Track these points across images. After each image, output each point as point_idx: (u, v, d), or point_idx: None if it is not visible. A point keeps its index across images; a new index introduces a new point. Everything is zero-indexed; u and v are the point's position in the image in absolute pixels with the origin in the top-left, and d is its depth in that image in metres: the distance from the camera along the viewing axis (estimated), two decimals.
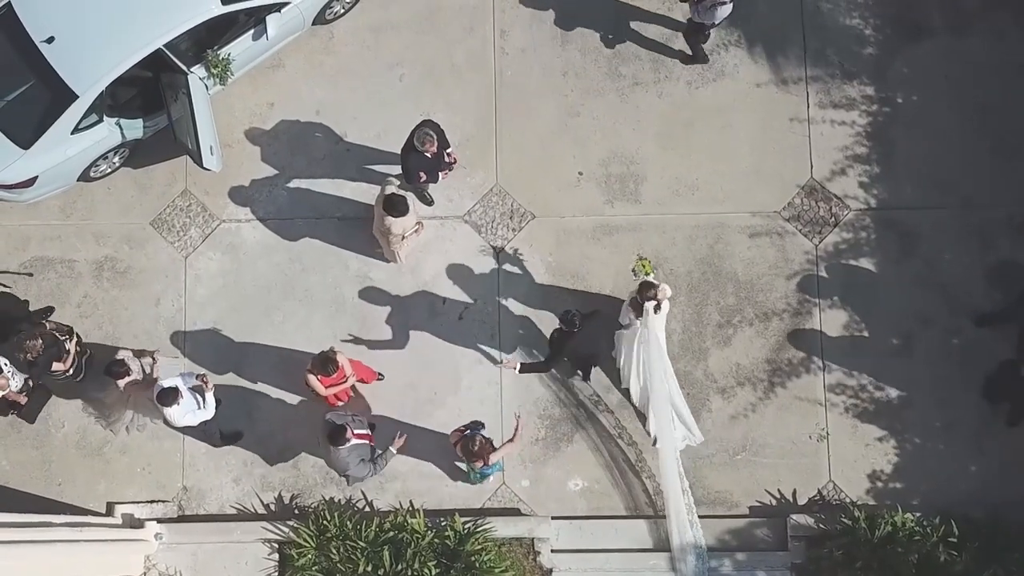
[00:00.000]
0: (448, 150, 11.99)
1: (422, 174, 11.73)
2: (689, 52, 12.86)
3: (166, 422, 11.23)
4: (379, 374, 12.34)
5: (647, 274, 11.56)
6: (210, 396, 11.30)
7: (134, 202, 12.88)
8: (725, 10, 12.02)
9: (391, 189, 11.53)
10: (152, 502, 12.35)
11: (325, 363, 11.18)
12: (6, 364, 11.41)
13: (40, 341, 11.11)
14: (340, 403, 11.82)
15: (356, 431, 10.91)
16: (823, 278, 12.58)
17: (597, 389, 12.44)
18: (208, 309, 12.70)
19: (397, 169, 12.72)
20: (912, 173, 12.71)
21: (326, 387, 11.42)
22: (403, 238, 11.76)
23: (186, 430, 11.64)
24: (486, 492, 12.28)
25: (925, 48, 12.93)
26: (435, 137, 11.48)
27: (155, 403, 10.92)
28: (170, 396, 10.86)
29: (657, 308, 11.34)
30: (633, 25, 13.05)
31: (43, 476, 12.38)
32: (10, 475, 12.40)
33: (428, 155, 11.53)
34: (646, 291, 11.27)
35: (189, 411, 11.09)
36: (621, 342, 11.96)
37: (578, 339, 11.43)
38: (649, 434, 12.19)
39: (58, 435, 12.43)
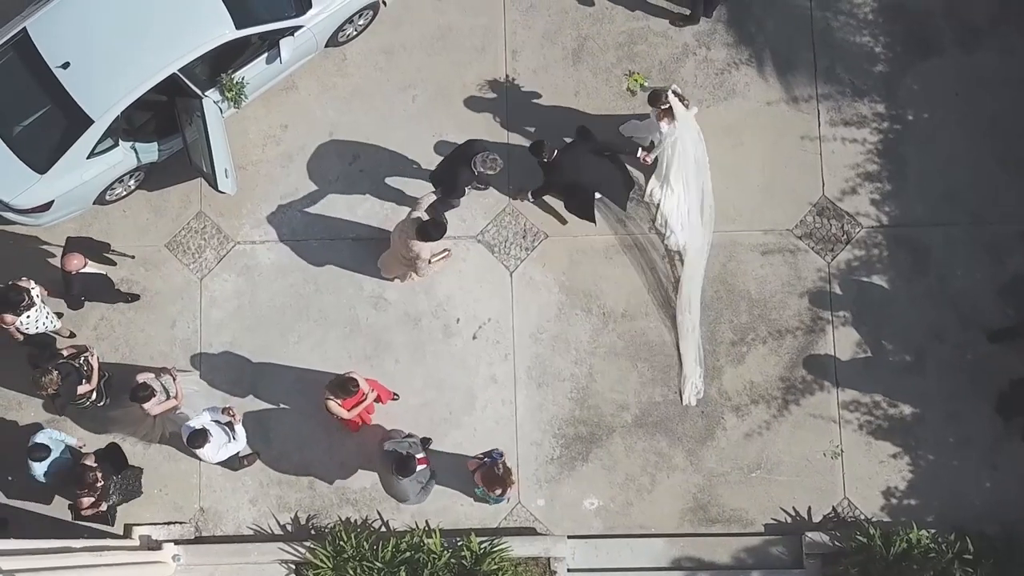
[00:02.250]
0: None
1: (467, 188, 11.86)
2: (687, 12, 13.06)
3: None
4: (394, 394, 12.39)
5: (641, 86, 11.94)
6: (239, 427, 11.37)
7: (149, 224, 12.96)
8: None
9: (419, 215, 11.44)
10: (169, 523, 12.40)
11: (344, 385, 11.24)
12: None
13: (55, 372, 11.14)
14: (362, 424, 11.86)
15: (417, 456, 10.99)
16: (836, 295, 12.62)
17: (609, 409, 12.48)
18: (223, 330, 12.77)
19: (410, 187, 12.83)
20: (923, 190, 12.76)
21: (349, 409, 11.45)
22: (429, 262, 11.75)
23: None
24: (502, 512, 12.33)
25: (935, 65, 12.98)
26: (500, 163, 11.63)
27: (188, 447, 11.03)
28: (200, 438, 10.94)
29: (685, 103, 11.76)
30: (644, 46, 13.11)
31: (62, 499, 12.42)
32: (28, 493, 12.44)
33: (480, 173, 11.63)
34: (659, 99, 11.60)
35: (221, 446, 11.17)
36: (666, 156, 12.14)
37: (564, 170, 11.71)
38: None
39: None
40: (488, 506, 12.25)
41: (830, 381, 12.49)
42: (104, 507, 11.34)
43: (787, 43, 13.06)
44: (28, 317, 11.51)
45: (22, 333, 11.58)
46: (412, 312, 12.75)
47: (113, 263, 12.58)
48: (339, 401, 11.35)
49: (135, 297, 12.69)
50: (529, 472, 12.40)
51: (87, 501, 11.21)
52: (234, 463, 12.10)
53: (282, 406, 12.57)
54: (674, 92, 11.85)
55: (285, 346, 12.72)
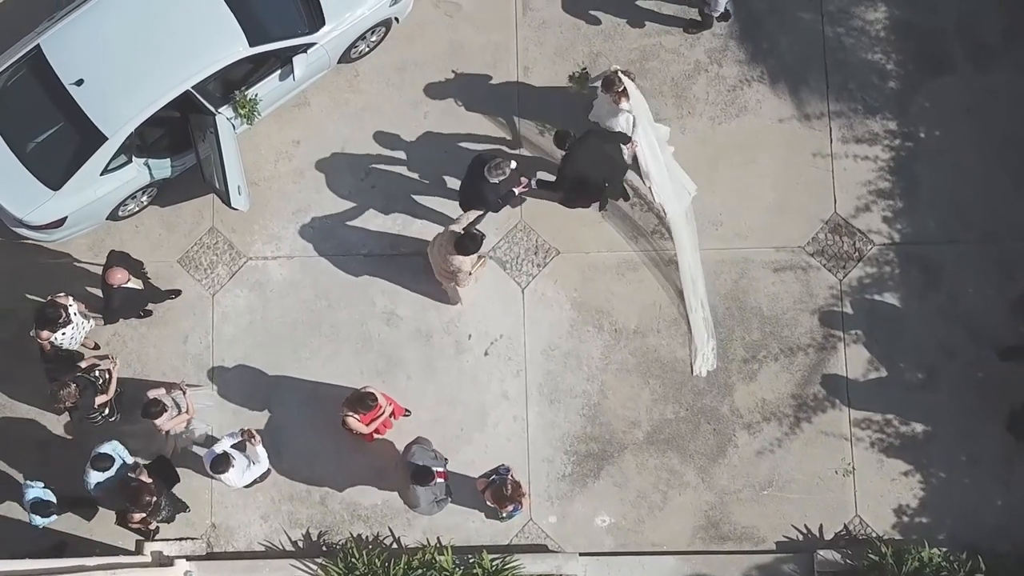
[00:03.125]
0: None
1: (500, 200, 11.87)
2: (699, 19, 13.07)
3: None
4: (406, 410, 12.41)
5: (586, 79, 12.23)
6: (260, 449, 11.38)
7: (162, 240, 12.98)
8: None
9: (456, 228, 11.48)
10: (181, 539, 12.39)
11: (362, 400, 11.26)
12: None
13: (73, 386, 11.15)
14: (377, 435, 11.87)
15: (437, 469, 11.02)
16: (847, 313, 12.63)
17: (621, 426, 12.49)
18: (235, 346, 12.78)
19: (422, 203, 12.86)
20: (935, 207, 12.77)
21: (367, 424, 11.46)
22: (470, 274, 11.76)
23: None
24: (513, 529, 12.33)
25: (947, 82, 12.99)
26: (508, 162, 11.62)
27: (210, 473, 11.07)
28: (223, 463, 10.95)
29: (632, 77, 11.92)
30: (656, 62, 13.13)
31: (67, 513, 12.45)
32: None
33: (498, 181, 11.63)
34: (613, 84, 11.73)
35: (244, 470, 11.20)
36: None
37: (579, 161, 11.73)
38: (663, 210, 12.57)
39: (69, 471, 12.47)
40: (500, 523, 12.25)
41: (841, 399, 12.49)
42: (153, 525, 11.28)
43: (799, 60, 13.08)
44: (64, 334, 11.53)
45: (54, 347, 11.58)
46: (424, 328, 12.76)
47: (149, 278, 12.60)
48: (358, 416, 11.36)
49: (177, 292, 12.79)
50: (541, 489, 12.40)
51: (138, 516, 11.16)
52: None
53: (294, 421, 12.58)
54: (623, 72, 11.91)
55: (297, 362, 12.73)
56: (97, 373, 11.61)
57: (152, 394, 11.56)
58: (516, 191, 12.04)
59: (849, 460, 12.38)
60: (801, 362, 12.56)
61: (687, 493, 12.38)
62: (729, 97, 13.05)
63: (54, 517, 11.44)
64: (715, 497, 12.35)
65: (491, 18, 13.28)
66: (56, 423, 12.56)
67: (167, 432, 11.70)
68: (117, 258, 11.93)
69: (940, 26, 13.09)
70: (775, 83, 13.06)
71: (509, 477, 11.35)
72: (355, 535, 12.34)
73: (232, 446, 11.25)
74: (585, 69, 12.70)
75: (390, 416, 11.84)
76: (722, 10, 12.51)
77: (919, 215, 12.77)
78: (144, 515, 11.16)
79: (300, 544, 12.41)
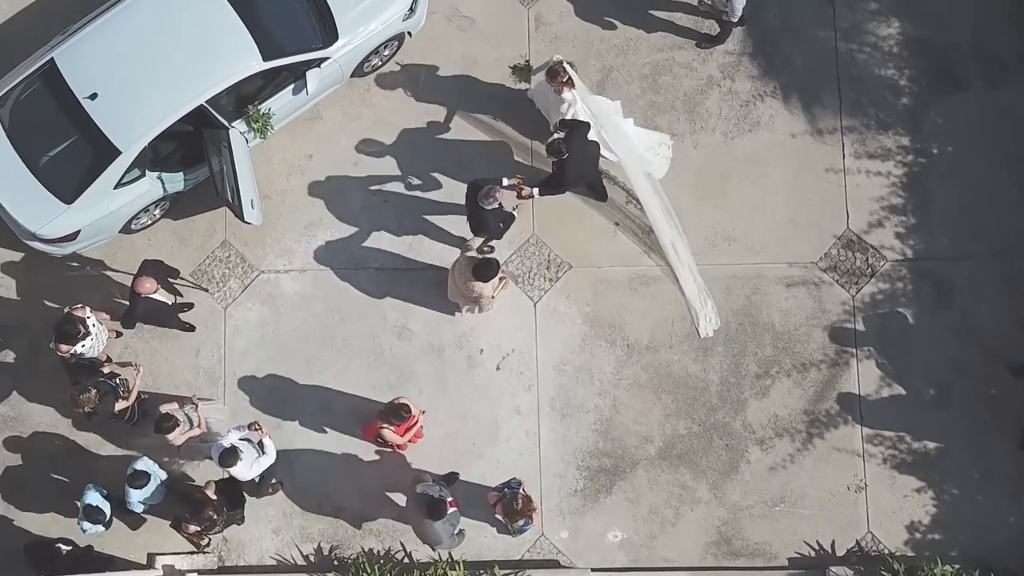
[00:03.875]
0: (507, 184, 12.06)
1: (501, 224, 11.87)
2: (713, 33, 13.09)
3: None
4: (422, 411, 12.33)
5: (528, 70, 12.26)
6: (267, 440, 11.39)
7: (174, 253, 12.96)
8: (740, 2, 12.22)
9: (472, 254, 11.52)
10: (192, 553, 12.37)
11: (396, 411, 11.27)
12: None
13: (93, 391, 11.15)
14: (411, 444, 11.92)
15: (447, 499, 11.01)
16: (860, 329, 12.63)
17: (633, 441, 12.49)
18: (247, 359, 12.77)
19: (434, 217, 12.86)
20: (947, 224, 12.78)
21: (402, 434, 11.44)
22: (493, 297, 11.77)
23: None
24: (525, 544, 12.32)
25: (960, 99, 13.01)
26: (496, 189, 11.60)
27: (219, 467, 11.07)
28: (231, 456, 10.98)
29: (573, 67, 11.88)
30: (668, 77, 13.14)
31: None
32: (44, 521, 12.45)
33: (494, 208, 11.62)
34: (558, 74, 11.72)
35: (252, 462, 11.21)
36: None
37: (575, 161, 11.73)
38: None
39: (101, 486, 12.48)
40: (512, 538, 12.23)
41: (854, 415, 12.49)
42: (206, 540, 11.26)
43: (812, 76, 13.09)
44: (83, 346, 11.55)
45: (76, 356, 11.60)
46: (436, 342, 12.76)
47: (180, 294, 12.58)
48: (393, 428, 11.34)
49: (192, 327, 12.71)
50: (552, 504, 12.40)
51: (193, 528, 11.13)
52: (258, 491, 12.13)
53: (306, 435, 12.57)
54: (566, 63, 11.90)
55: (309, 375, 12.72)
56: (118, 380, 11.60)
57: (165, 409, 11.56)
58: (515, 207, 12.05)
59: (861, 476, 12.39)
60: (813, 378, 12.56)
61: (699, 509, 12.37)
62: (742, 112, 13.06)
63: (101, 528, 11.42)
64: (727, 513, 12.34)
65: (504, 32, 13.29)
66: (72, 435, 12.56)
67: (179, 448, 11.68)
68: (150, 267, 11.92)
69: (953, 43, 13.10)
70: (788, 98, 13.07)
71: (520, 491, 11.35)
72: (366, 549, 12.33)
73: (241, 440, 11.27)
74: (528, 60, 12.64)
75: (419, 427, 11.83)
76: (740, 15, 12.45)
77: (931, 231, 12.77)
78: (199, 528, 11.13)
79: (311, 558, 12.39)
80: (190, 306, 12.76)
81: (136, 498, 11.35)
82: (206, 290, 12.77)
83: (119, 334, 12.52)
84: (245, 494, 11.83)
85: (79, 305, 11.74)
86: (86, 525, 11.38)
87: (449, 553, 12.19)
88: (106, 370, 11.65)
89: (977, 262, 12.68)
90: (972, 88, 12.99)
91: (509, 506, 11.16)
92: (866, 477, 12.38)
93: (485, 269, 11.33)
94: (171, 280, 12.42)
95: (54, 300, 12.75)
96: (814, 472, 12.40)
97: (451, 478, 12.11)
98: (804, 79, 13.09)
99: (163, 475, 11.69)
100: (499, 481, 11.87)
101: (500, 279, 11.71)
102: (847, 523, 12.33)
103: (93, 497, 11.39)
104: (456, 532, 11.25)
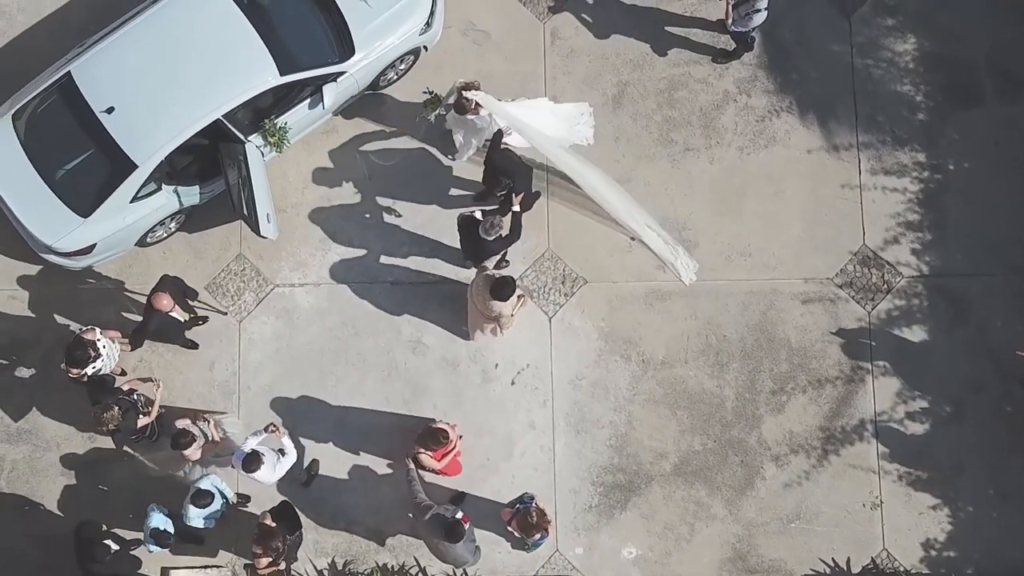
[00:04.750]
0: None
1: (504, 244, 11.85)
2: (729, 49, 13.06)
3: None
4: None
5: (438, 102, 12.08)
6: (286, 440, 11.39)
7: (189, 266, 12.95)
8: (760, 17, 12.19)
9: (489, 272, 11.53)
10: (207, 567, 12.38)
11: (435, 435, 11.16)
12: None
13: (116, 408, 11.14)
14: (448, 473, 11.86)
15: (458, 516, 10.96)
16: (875, 345, 12.61)
17: (648, 457, 12.47)
18: (262, 373, 12.76)
19: (449, 232, 12.82)
20: (963, 240, 12.76)
21: (439, 459, 11.33)
22: (512, 316, 11.73)
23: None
24: (539, 559, 12.31)
25: (976, 115, 12.99)
26: (498, 219, 11.56)
27: (242, 474, 11.09)
28: (254, 461, 10.98)
29: (479, 87, 11.85)
30: (684, 92, 13.13)
31: None
32: (64, 542, 12.40)
33: (496, 237, 11.58)
34: (466, 107, 11.73)
35: (274, 464, 11.21)
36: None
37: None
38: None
39: (115, 500, 12.47)
40: (526, 553, 12.22)
41: (869, 431, 12.47)
42: (283, 566, 11.30)
43: (828, 91, 13.08)
44: (94, 368, 11.55)
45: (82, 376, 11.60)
46: (450, 357, 12.74)
47: (195, 313, 12.52)
48: (430, 453, 11.23)
49: (195, 345, 12.69)
50: (567, 520, 12.38)
51: (265, 561, 11.06)
52: (303, 476, 12.24)
53: (320, 449, 12.55)
54: (466, 86, 11.85)
55: (323, 389, 12.71)
56: (136, 396, 11.59)
57: (180, 424, 11.55)
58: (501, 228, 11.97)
59: (877, 493, 12.36)
60: (829, 394, 12.54)
61: (714, 525, 12.35)
62: (758, 127, 13.05)
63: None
64: (742, 529, 12.32)
65: (519, 47, 13.28)
66: (87, 447, 12.57)
67: (197, 460, 11.68)
68: (168, 284, 11.84)
69: (969, 58, 13.09)
70: (804, 114, 13.05)
71: (533, 505, 11.33)
72: (381, 564, 12.31)
73: (259, 445, 11.27)
74: (435, 93, 12.29)
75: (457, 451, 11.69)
76: (760, 22, 12.31)
77: (947, 248, 12.76)
78: (270, 559, 11.07)
79: (326, 573, 12.38)
80: (204, 320, 12.75)
81: (194, 515, 11.28)
82: (225, 313, 12.75)
83: (124, 372, 12.46)
84: (299, 513, 11.87)
85: (88, 327, 11.74)
86: (152, 547, 11.36)
87: (464, 569, 12.17)
88: (125, 387, 11.62)
89: (993, 279, 12.67)
90: (988, 104, 12.98)
91: (524, 521, 11.15)
92: (881, 494, 12.36)
93: (503, 288, 11.31)
94: (188, 300, 12.38)
95: (68, 314, 12.75)
96: (829, 489, 12.38)
97: (459, 499, 12.07)
98: (820, 94, 13.07)
99: (230, 494, 11.65)
100: (512, 497, 11.86)
101: (519, 297, 11.69)
102: (862, 540, 12.31)
103: (158, 520, 11.36)
104: (476, 547, 11.21)
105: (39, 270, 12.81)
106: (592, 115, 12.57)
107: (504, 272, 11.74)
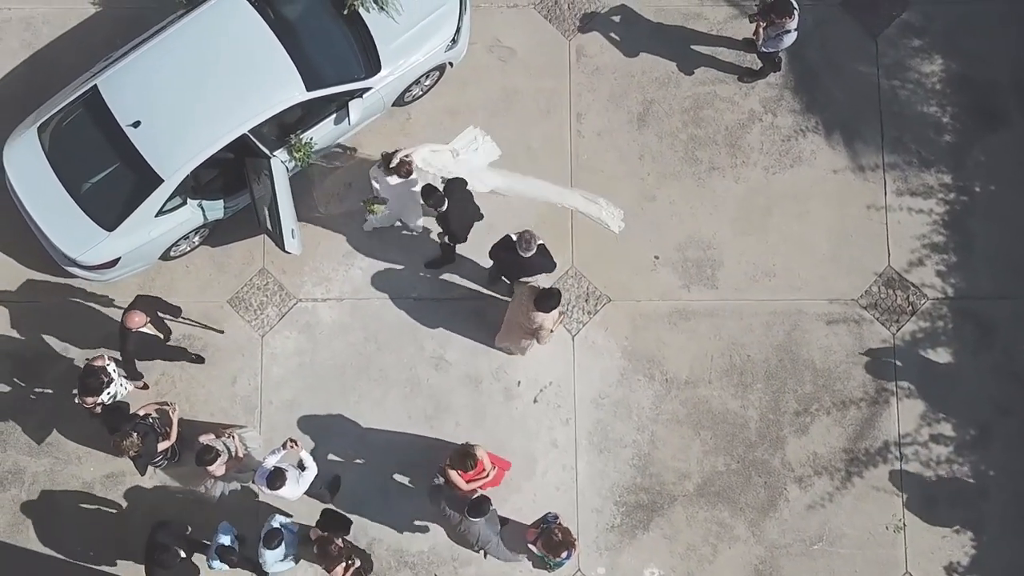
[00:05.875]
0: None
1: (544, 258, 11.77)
2: (755, 68, 13.05)
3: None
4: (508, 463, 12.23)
5: (376, 199, 12.08)
6: (304, 454, 11.36)
7: (212, 280, 12.94)
8: (790, 38, 12.17)
9: (533, 283, 11.46)
10: None
11: (464, 458, 11.10)
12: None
13: (135, 435, 11.12)
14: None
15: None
16: (900, 367, 12.56)
17: (671, 477, 12.42)
18: (284, 388, 12.73)
19: (472, 246, 12.79)
20: (989, 262, 12.71)
21: (468, 482, 11.29)
22: (552, 331, 11.64)
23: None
24: None
25: (1002, 136, 12.95)
26: (533, 232, 11.47)
27: (267, 491, 11.09)
28: (279, 477, 10.98)
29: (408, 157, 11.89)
30: (710, 111, 13.10)
31: (118, 553, 12.41)
32: (84, 556, 12.43)
33: (534, 252, 11.48)
34: (405, 160, 11.73)
35: (297, 478, 11.20)
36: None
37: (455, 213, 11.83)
38: None
39: (134, 515, 12.45)
40: (547, 573, 12.12)
41: (893, 453, 12.42)
42: (357, 563, 11.25)
43: (854, 111, 13.04)
44: (108, 393, 11.52)
45: (97, 405, 11.56)
46: (473, 374, 12.71)
47: (170, 331, 12.33)
48: (459, 472, 11.19)
49: (200, 359, 12.67)
50: (589, 540, 12.33)
51: (340, 569, 11.07)
52: (325, 495, 12.18)
53: (341, 465, 12.51)
54: (400, 161, 11.83)
55: (345, 405, 12.68)
56: (152, 419, 11.57)
57: (204, 440, 11.52)
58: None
59: (900, 516, 12.31)
60: (853, 416, 12.49)
61: (737, 546, 12.30)
62: (784, 147, 13.02)
63: (227, 567, 11.43)
64: (765, 551, 12.27)
65: (545, 64, 13.26)
66: (108, 461, 12.55)
67: (220, 476, 11.65)
68: (140, 303, 11.77)
69: (995, 80, 13.05)
70: (830, 134, 13.02)
71: (557, 524, 11.29)
72: None
73: (279, 460, 11.26)
74: (375, 199, 12.16)
75: (491, 480, 11.58)
76: (791, 43, 12.28)
77: (973, 270, 12.70)
78: (341, 564, 11.05)
79: None
80: (200, 359, 12.69)
81: (271, 559, 11.26)
82: (221, 332, 12.70)
83: (146, 386, 12.45)
84: (345, 515, 11.91)
85: (98, 355, 11.73)
86: (216, 564, 11.36)
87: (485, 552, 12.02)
88: (141, 412, 11.60)
89: (1019, 301, 12.62)
90: (1014, 125, 12.94)
91: (549, 540, 11.10)
92: (905, 517, 12.30)
93: (548, 299, 11.16)
94: (173, 318, 12.24)
95: (91, 327, 12.73)
96: (853, 511, 12.32)
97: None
98: (846, 115, 13.04)
99: (295, 528, 11.63)
100: (536, 515, 11.82)
101: (559, 313, 11.58)
102: (885, 563, 12.25)
103: (226, 539, 11.40)
104: (499, 531, 11.13)
105: (62, 283, 12.79)
106: (481, 131, 12.61)
107: (551, 287, 11.55)
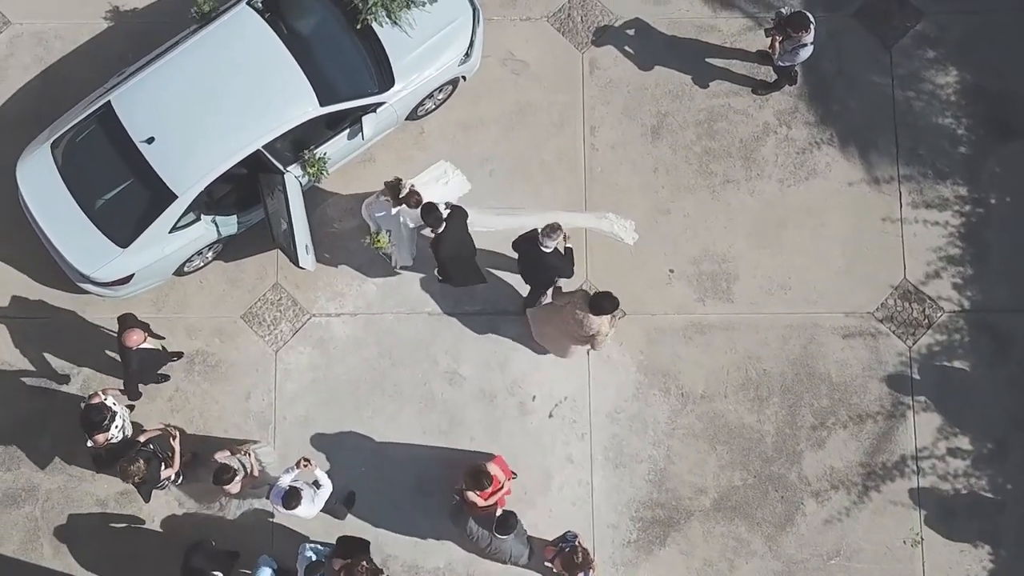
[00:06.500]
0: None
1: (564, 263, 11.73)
2: (770, 81, 13.01)
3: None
4: (513, 472, 12.15)
5: (379, 232, 11.97)
6: (319, 472, 11.31)
7: (225, 295, 12.90)
8: (806, 52, 12.13)
9: (584, 289, 11.35)
10: None
11: (478, 477, 11.01)
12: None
13: (140, 461, 11.08)
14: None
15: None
16: (916, 380, 12.50)
17: (687, 492, 12.37)
18: (298, 403, 12.69)
19: (486, 259, 12.76)
20: (1006, 275, 12.66)
21: (485, 500, 11.18)
22: (607, 335, 11.46)
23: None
24: None
25: (1017, 148, 12.90)
26: (559, 225, 11.34)
27: (283, 511, 11.02)
28: (295, 497, 10.93)
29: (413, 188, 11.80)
30: (724, 123, 13.06)
31: (132, 570, 12.37)
32: (98, 572, 12.39)
33: (554, 244, 11.39)
34: (411, 196, 11.56)
35: (312, 497, 11.16)
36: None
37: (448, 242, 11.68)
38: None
39: (149, 532, 12.41)
40: None
41: (910, 467, 12.36)
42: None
43: (869, 123, 13.00)
44: (116, 427, 11.50)
45: (110, 442, 11.53)
46: (487, 388, 12.66)
47: (163, 337, 12.43)
48: (477, 492, 11.07)
49: (179, 355, 12.61)
50: (605, 555, 12.28)
51: None
52: (340, 511, 12.16)
53: (355, 481, 12.46)
54: (410, 191, 11.75)
55: (359, 420, 12.63)
56: (152, 445, 11.51)
57: (220, 457, 11.47)
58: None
59: (917, 530, 12.25)
60: (870, 430, 12.44)
61: (754, 561, 12.24)
62: (798, 160, 12.97)
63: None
64: (782, 566, 12.21)
65: (558, 77, 13.22)
66: (121, 483, 12.46)
67: (236, 494, 11.61)
68: (129, 321, 11.75)
69: (1010, 90, 13.01)
70: (845, 146, 12.97)
71: (578, 543, 11.25)
72: None
73: (293, 481, 11.21)
74: (377, 232, 12.11)
75: (506, 490, 11.56)
76: (807, 56, 12.25)
77: (989, 282, 12.65)
78: None
79: None
80: (179, 355, 12.66)
81: None
82: (180, 355, 12.65)
83: (131, 407, 12.32)
84: (363, 539, 11.83)
85: (92, 393, 11.71)
86: None
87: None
88: (142, 439, 11.54)
89: None
90: None
91: (569, 560, 11.04)
92: (922, 531, 12.24)
93: (604, 301, 10.89)
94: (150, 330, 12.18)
95: (104, 344, 12.70)
96: (870, 525, 12.26)
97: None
98: (861, 127, 12.99)
99: (325, 551, 11.53)
100: (551, 531, 11.80)
101: (612, 316, 11.34)
102: None
103: (267, 572, 11.39)
104: (527, 542, 11.07)
105: (75, 299, 12.76)
106: (449, 165, 12.48)
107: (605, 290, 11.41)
